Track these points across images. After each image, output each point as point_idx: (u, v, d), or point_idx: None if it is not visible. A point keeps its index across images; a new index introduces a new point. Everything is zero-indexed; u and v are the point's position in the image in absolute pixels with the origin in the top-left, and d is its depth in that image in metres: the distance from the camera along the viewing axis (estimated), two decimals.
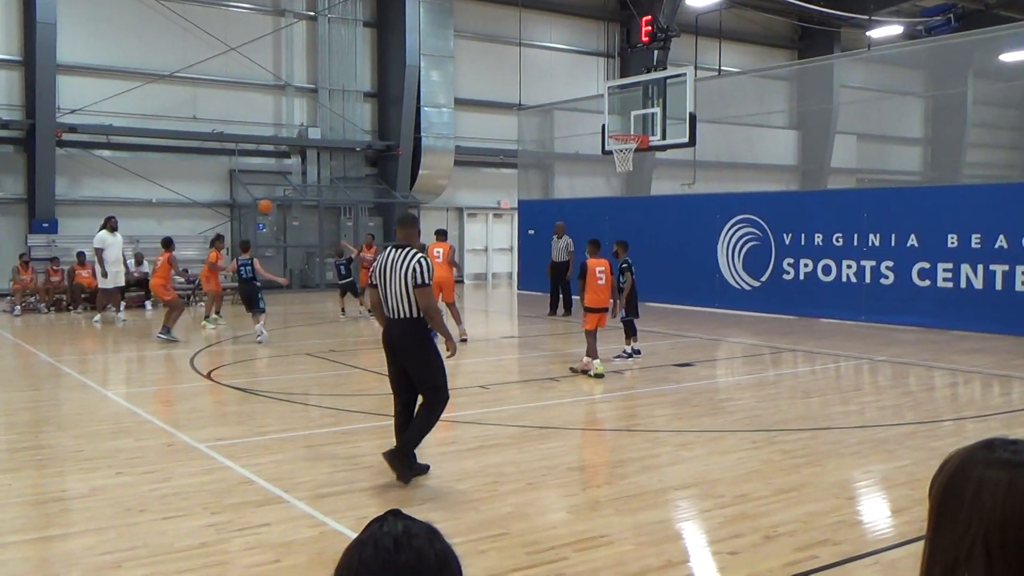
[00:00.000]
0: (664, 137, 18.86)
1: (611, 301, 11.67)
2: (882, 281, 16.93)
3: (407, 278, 6.47)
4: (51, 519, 5.89)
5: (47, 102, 22.18)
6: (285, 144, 26.73)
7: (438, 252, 14.48)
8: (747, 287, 19.46)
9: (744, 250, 19.45)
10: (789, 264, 18.58)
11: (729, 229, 19.73)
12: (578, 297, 11.64)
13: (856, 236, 17.31)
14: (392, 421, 6.86)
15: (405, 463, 6.52)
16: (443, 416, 6.82)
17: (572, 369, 11.67)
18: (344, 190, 26.96)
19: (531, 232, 24.76)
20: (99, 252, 17.06)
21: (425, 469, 6.75)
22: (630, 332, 12.70)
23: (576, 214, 21.78)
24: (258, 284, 15.19)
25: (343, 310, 18.46)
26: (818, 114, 31.67)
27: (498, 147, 28.96)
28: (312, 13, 26.55)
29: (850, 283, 17.46)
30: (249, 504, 6.00)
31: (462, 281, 26.51)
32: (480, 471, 6.84)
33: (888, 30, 27.49)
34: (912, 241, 16.40)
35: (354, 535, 1.35)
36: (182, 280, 18.91)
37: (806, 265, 18.25)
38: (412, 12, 26.47)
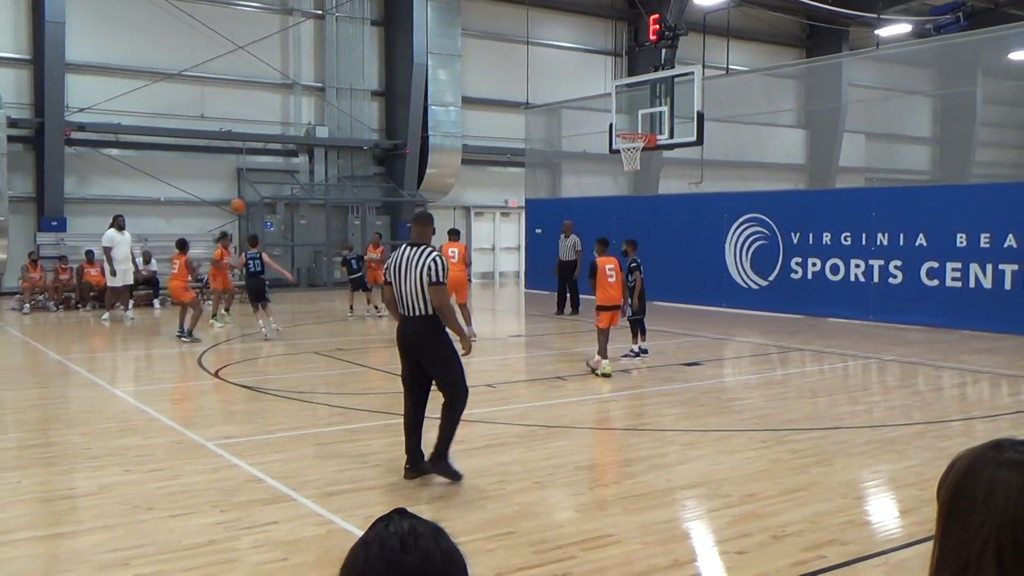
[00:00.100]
0: (672, 136, 18.83)
1: (623, 300, 11.69)
2: (890, 280, 16.88)
3: (422, 276, 6.47)
4: (59, 517, 5.92)
5: (56, 101, 22.26)
6: (293, 143, 26.77)
7: (453, 252, 14.24)
8: (755, 286, 19.42)
9: (752, 249, 19.41)
10: (797, 263, 18.53)
11: (737, 228, 19.69)
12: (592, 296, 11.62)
13: (864, 235, 17.26)
14: (402, 419, 6.84)
15: (445, 465, 6.55)
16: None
17: (587, 364, 11.62)
18: (351, 189, 26.99)
19: (538, 231, 24.75)
20: (107, 250, 17.10)
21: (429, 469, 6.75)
22: (640, 331, 12.70)
23: (583, 213, 21.76)
24: (265, 279, 15.44)
25: (351, 307, 18.47)
26: (826, 113, 31.58)
27: (505, 146, 28.96)
28: (320, 12, 26.58)
29: (858, 282, 17.41)
30: (257, 502, 6.02)
31: (469, 280, 26.52)
32: (487, 470, 6.84)
33: (897, 28, 27.40)
34: (921, 240, 16.35)
35: (362, 533, 1.35)
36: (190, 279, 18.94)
37: (814, 264, 18.20)
38: (420, 11, 26.48)
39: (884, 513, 6.22)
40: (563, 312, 19.19)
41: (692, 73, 18.34)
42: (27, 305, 19.06)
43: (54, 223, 22.59)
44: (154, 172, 24.13)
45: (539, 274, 23.62)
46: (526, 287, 25.66)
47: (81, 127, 22.98)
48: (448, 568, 1.29)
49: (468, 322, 14.49)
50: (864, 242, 17.26)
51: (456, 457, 7.12)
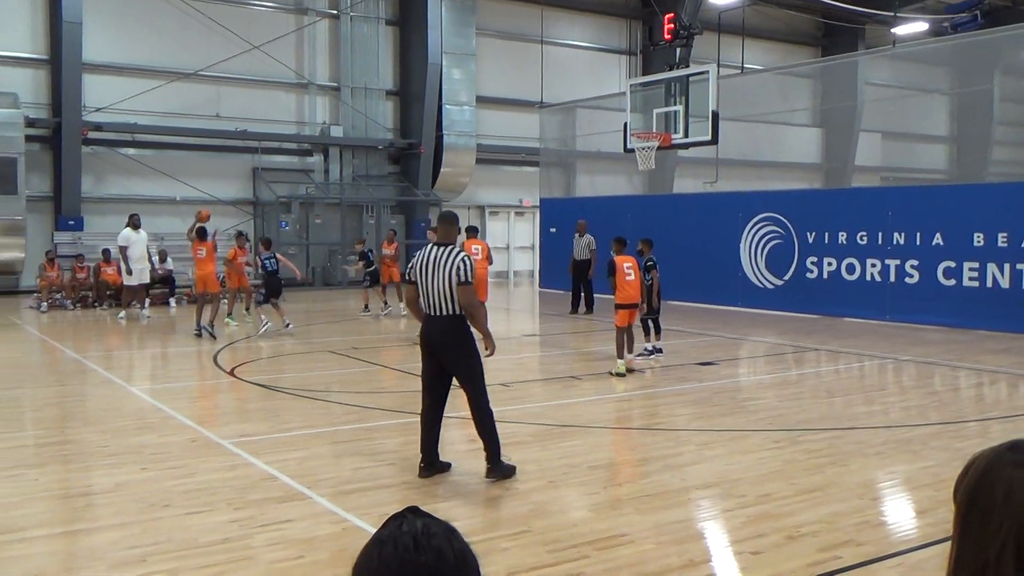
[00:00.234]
0: (686, 135, 18.80)
1: (641, 299, 11.68)
2: (907, 280, 16.79)
3: (451, 275, 6.47)
4: (77, 514, 5.95)
5: (73, 101, 22.41)
6: (307, 142, 26.85)
7: (476, 249, 14.12)
8: (770, 286, 19.35)
9: (767, 249, 19.34)
10: (812, 263, 18.45)
11: (752, 227, 19.63)
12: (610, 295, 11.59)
13: (880, 235, 17.17)
14: (418, 418, 6.84)
15: (502, 466, 6.56)
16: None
17: (626, 367, 11.55)
18: (366, 188, 27.05)
19: (553, 230, 24.74)
20: (123, 250, 17.23)
21: (447, 467, 6.77)
22: (654, 329, 12.67)
23: (598, 212, 21.74)
24: (281, 278, 15.83)
25: (367, 306, 18.48)
26: (842, 112, 31.44)
27: (520, 145, 28.96)
28: (335, 11, 26.64)
29: (874, 282, 17.32)
30: (272, 500, 6.04)
31: None
32: None
33: (913, 27, 27.25)
34: (937, 240, 16.25)
35: (375, 532, 1.35)
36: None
37: (830, 264, 18.12)
38: (434, 10, 26.51)
39: (900, 514, 6.19)
40: (577, 311, 19.18)
41: (707, 72, 18.30)
42: (45, 303, 19.19)
43: (71, 222, 22.74)
44: (170, 171, 24.26)
45: (553, 273, 23.61)
46: (540, 286, 25.66)
47: (98, 127, 23.13)
48: (461, 568, 1.30)
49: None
50: (880, 241, 17.17)
51: (470, 456, 7.13)
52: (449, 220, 6.91)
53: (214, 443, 7.70)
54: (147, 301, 18.25)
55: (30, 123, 22.14)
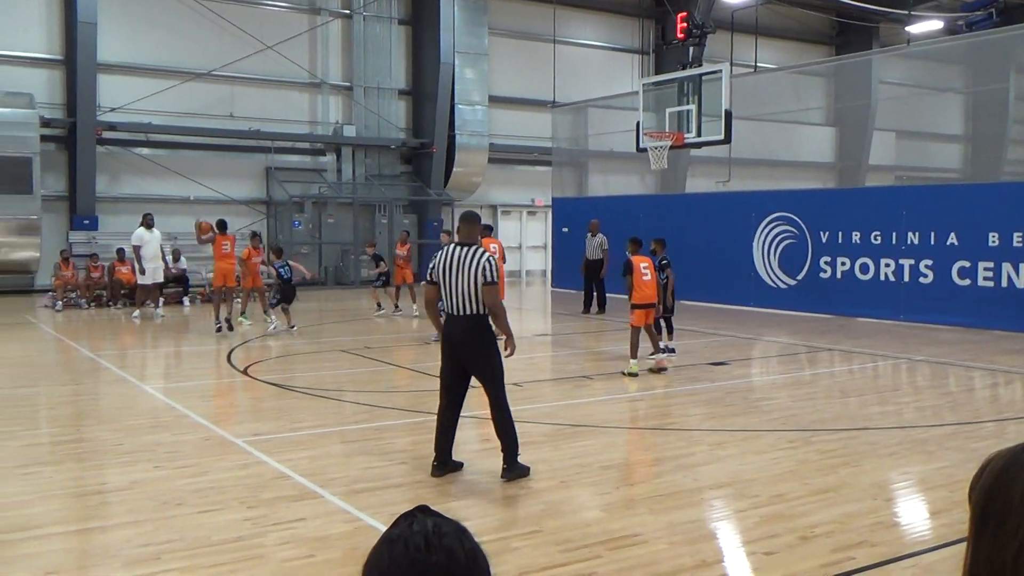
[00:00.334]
0: (699, 134, 18.75)
1: (658, 298, 11.66)
2: (921, 280, 16.71)
3: (476, 276, 6.47)
4: (91, 511, 5.99)
5: (88, 101, 22.52)
6: (320, 142, 26.91)
7: (493, 248, 14.19)
8: (783, 285, 19.29)
9: (780, 248, 19.28)
10: (826, 262, 18.38)
11: (765, 227, 19.56)
12: (625, 296, 11.56)
13: (895, 234, 17.09)
14: (432, 417, 6.83)
15: (518, 467, 6.57)
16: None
17: (650, 370, 11.53)
18: (379, 187, 27.10)
19: (565, 230, 24.72)
20: (136, 249, 17.33)
21: (459, 466, 6.77)
22: (668, 329, 12.65)
23: (610, 212, 21.71)
24: (295, 285, 16.06)
25: (379, 306, 18.50)
26: (856, 111, 31.29)
27: (532, 144, 28.96)
28: (347, 11, 26.69)
29: (888, 282, 17.24)
30: (284, 499, 6.05)
31: None
32: None
33: (928, 25, 27.10)
34: (952, 239, 16.16)
35: (385, 530, 1.35)
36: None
37: (843, 264, 18.05)
38: (447, 10, 26.53)
39: (914, 515, 6.16)
40: (589, 311, 19.16)
41: (720, 71, 18.24)
42: (59, 302, 19.30)
43: (86, 221, 22.87)
44: (184, 171, 24.36)
45: (566, 273, 23.60)
46: (553, 286, 25.65)
47: (112, 127, 23.25)
48: (472, 567, 1.30)
49: None
50: (894, 241, 17.09)
51: (482, 456, 7.14)
52: (471, 220, 6.88)
53: (227, 442, 7.73)
54: (161, 300, 18.33)
55: (45, 123, 22.27)
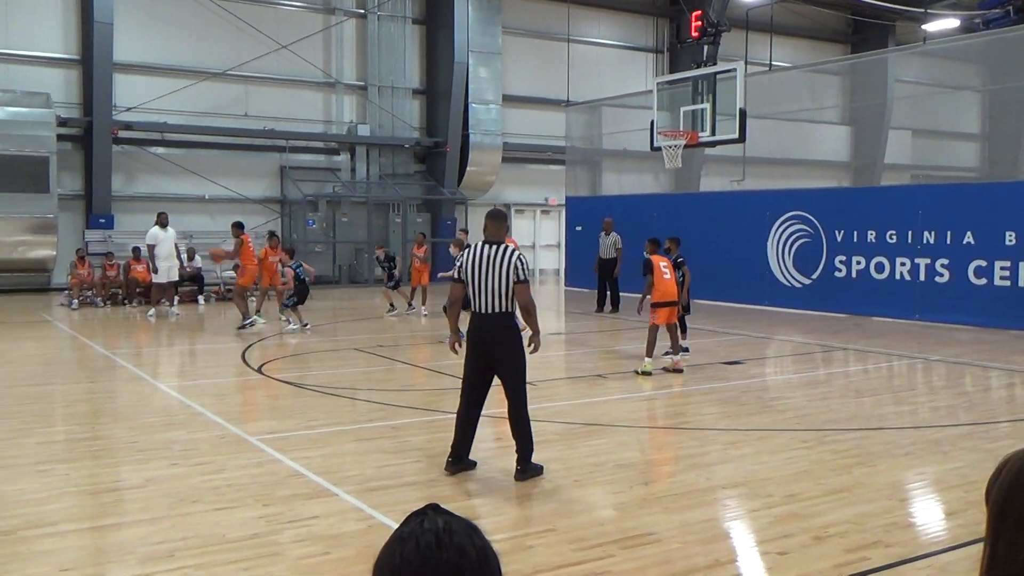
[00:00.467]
0: (714, 133, 18.70)
1: (679, 297, 11.66)
2: (937, 279, 16.62)
3: (508, 274, 6.48)
4: (107, 509, 6.02)
5: (104, 100, 22.66)
6: (335, 141, 26.99)
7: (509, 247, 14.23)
8: (797, 284, 19.22)
9: (794, 247, 19.21)
10: (841, 262, 18.30)
11: (779, 226, 19.50)
12: (647, 296, 11.53)
13: (910, 233, 17.00)
14: (449, 415, 6.82)
15: (532, 467, 6.56)
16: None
17: (665, 369, 11.50)
18: (393, 187, 27.15)
19: (578, 228, 24.71)
20: (151, 248, 17.44)
21: (473, 465, 6.77)
22: (681, 328, 12.62)
23: (624, 211, 21.68)
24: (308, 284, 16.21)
25: (392, 305, 18.52)
26: (871, 109, 31.14)
27: (546, 143, 28.95)
28: (362, 11, 26.75)
29: (904, 281, 17.16)
30: (299, 497, 6.08)
31: None
32: None
33: (944, 23, 26.95)
34: (968, 239, 16.07)
35: (396, 528, 1.36)
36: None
37: (858, 263, 17.96)
38: (461, 9, 26.55)
39: (929, 515, 6.13)
40: (603, 310, 19.14)
41: (735, 70, 18.19)
42: (75, 301, 19.41)
43: (102, 220, 23.00)
44: (199, 170, 24.48)
45: (579, 272, 23.58)
46: (566, 284, 25.64)
47: (128, 126, 23.37)
48: (483, 565, 1.30)
49: None
50: (910, 240, 17.00)
51: (495, 454, 7.15)
52: (498, 218, 6.87)
53: (242, 439, 7.76)
54: (176, 299, 18.41)
55: (62, 123, 22.42)
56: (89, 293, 20.19)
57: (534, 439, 6.65)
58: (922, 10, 23.18)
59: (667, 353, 11.97)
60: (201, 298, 20.78)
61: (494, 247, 6.61)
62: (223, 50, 24.41)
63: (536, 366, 12.23)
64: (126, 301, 20.31)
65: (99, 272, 20.71)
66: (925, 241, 16.76)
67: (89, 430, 8.38)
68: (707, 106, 18.68)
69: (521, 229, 30.55)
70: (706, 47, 20.51)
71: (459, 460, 6.68)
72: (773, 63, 24.17)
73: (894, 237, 17.28)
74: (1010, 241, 15.45)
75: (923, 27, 25.04)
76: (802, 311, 18.60)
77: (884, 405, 9.61)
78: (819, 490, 6.25)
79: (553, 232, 30.98)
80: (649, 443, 8.29)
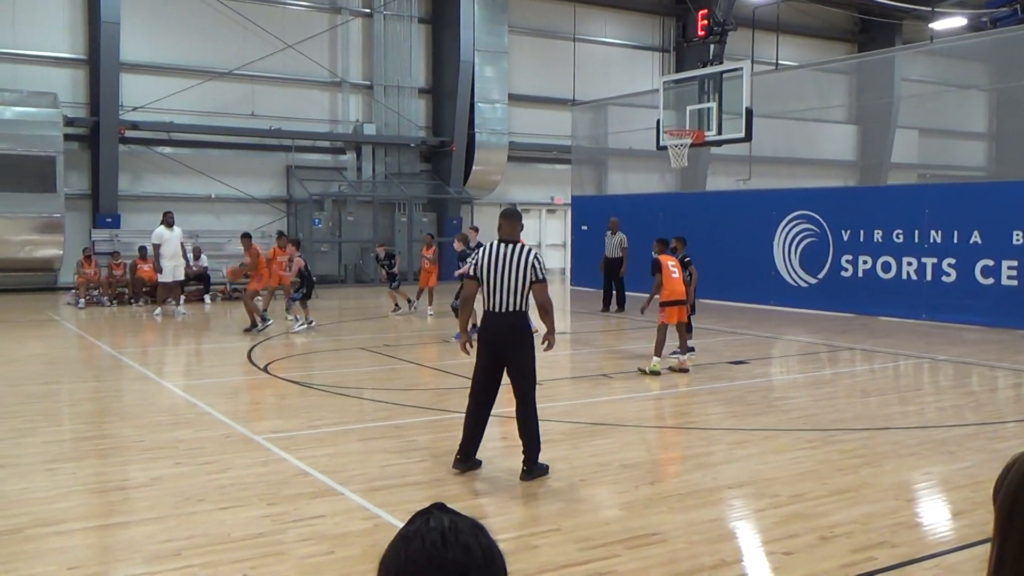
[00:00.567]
0: (720, 132, 18.68)
1: (688, 296, 11.65)
2: (944, 279, 16.57)
3: (526, 273, 6.49)
4: (113, 507, 6.04)
5: (111, 100, 22.70)
6: (341, 140, 27.02)
7: None
8: (804, 284, 19.18)
9: (801, 247, 19.17)
10: (847, 261, 18.26)
11: (786, 225, 19.46)
12: (655, 295, 11.51)
13: (917, 233, 16.95)
14: (455, 414, 6.80)
15: (538, 467, 6.56)
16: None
17: (671, 368, 11.48)
18: (398, 186, 27.17)
19: (584, 228, 24.69)
20: (156, 247, 17.47)
21: (478, 464, 6.76)
22: (688, 327, 12.60)
23: (630, 210, 21.65)
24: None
25: (396, 305, 18.53)
26: (878, 108, 31.06)
27: (552, 143, 28.93)
28: (368, 10, 26.76)
29: (911, 280, 17.12)
30: (304, 496, 6.08)
31: None
32: None
33: (951, 22, 26.85)
34: (975, 238, 16.02)
35: (401, 527, 1.35)
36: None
37: (865, 262, 17.92)
38: (467, 8, 26.55)
39: (936, 515, 6.11)
40: (609, 309, 19.13)
41: (741, 69, 18.17)
42: (82, 300, 19.45)
43: (108, 220, 23.05)
44: (205, 170, 24.52)
45: (585, 271, 23.56)
46: (572, 284, 25.63)
47: (135, 125, 23.42)
48: (488, 564, 1.30)
49: None
50: (917, 239, 16.96)
51: (501, 454, 7.15)
52: (513, 217, 6.86)
53: (248, 439, 7.77)
54: (182, 298, 18.45)
55: (69, 122, 22.48)
56: (95, 292, 20.24)
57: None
58: (929, 9, 23.13)
59: (674, 353, 11.96)
60: (207, 297, 20.82)
61: (510, 246, 6.61)
62: (229, 50, 24.44)
63: (542, 366, 12.20)
64: (132, 300, 20.35)
65: (105, 271, 20.75)
66: (932, 240, 16.72)
67: (95, 429, 8.40)
68: (713, 105, 18.66)
69: (527, 228, 30.22)
70: (712, 46, 20.51)
71: (467, 458, 6.68)
72: (779, 62, 24.12)
73: (901, 236, 17.24)
74: (1017, 240, 15.40)
75: (930, 26, 24.98)
76: (808, 311, 18.56)
77: (890, 405, 9.59)
78: (825, 490, 6.24)
79: (559, 231, 30.97)
80: (655, 443, 8.28)
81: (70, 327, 16.51)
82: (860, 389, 10.58)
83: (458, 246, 15.26)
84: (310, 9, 26.11)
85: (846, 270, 18.30)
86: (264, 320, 15.45)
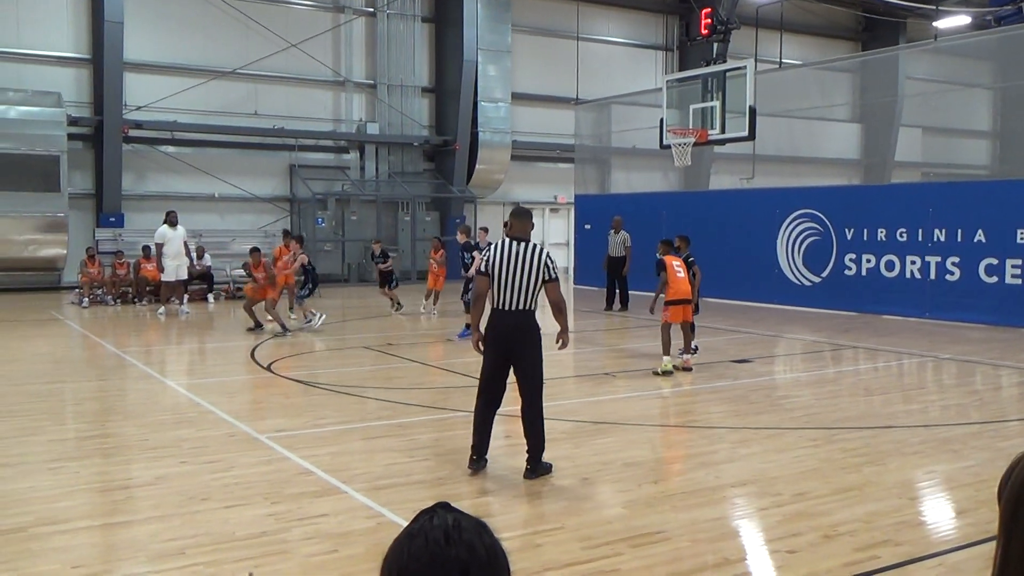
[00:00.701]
0: (723, 131, 18.65)
1: (693, 295, 11.64)
2: (948, 277, 16.55)
3: (538, 272, 6.49)
4: (117, 506, 6.04)
5: (114, 99, 22.72)
6: (344, 139, 27.03)
7: None
8: (807, 283, 19.16)
9: (804, 245, 19.15)
10: (851, 259, 18.24)
11: (789, 224, 19.44)
12: (660, 294, 11.50)
13: (921, 231, 16.94)
14: (465, 414, 6.77)
15: (542, 466, 6.56)
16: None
17: (675, 367, 11.41)
18: (402, 185, 27.17)
19: (587, 227, 24.68)
20: (159, 247, 17.49)
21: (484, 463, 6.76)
22: (691, 327, 12.59)
23: (633, 209, 21.64)
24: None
25: (398, 303, 18.51)
26: (882, 107, 31.00)
27: (555, 142, 28.93)
28: (371, 9, 26.77)
29: (914, 279, 17.10)
30: (308, 494, 6.09)
31: None
32: None
33: (955, 20, 26.83)
34: (979, 236, 16.00)
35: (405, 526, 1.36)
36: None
37: (868, 261, 17.90)
38: (470, 7, 26.54)
39: (939, 514, 6.11)
40: (612, 308, 19.12)
41: (744, 67, 18.14)
42: (86, 299, 19.48)
43: (112, 219, 23.08)
44: (209, 169, 24.54)
45: (588, 270, 23.56)
46: (575, 283, 25.62)
47: (138, 125, 23.44)
48: (491, 563, 1.30)
49: None
50: (920, 238, 16.94)
51: (504, 453, 7.14)
52: (523, 215, 6.87)
53: (251, 437, 7.78)
54: (186, 297, 18.47)
55: (72, 122, 22.49)
56: (99, 291, 20.26)
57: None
58: (933, 7, 23.10)
59: (680, 352, 11.95)
60: (211, 296, 20.84)
61: (522, 244, 6.60)
62: (233, 49, 24.46)
63: (545, 364, 12.22)
64: (136, 300, 20.37)
65: (109, 270, 20.77)
66: (936, 239, 16.70)
67: (99, 428, 8.41)
68: (717, 104, 18.63)
69: None
70: (716, 44, 20.49)
71: (483, 456, 6.66)
72: (783, 60, 24.11)
73: (904, 235, 17.21)
74: (1021, 239, 15.37)
75: (934, 24, 24.98)
76: (812, 309, 18.55)
77: (894, 403, 9.58)
78: (828, 488, 6.23)
79: (562, 230, 30.96)
80: (658, 441, 8.28)
81: (74, 326, 16.53)
82: (863, 388, 10.57)
83: (461, 238, 15.24)
84: (313, 8, 26.12)
85: (850, 269, 18.28)
86: (285, 330, 15.22)
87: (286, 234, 17.52)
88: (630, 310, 18.60)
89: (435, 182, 28.14)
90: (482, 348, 6.78)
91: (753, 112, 17.82)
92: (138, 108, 23.41)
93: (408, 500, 5.99)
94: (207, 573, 4.75)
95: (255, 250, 15.87)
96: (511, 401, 6.82)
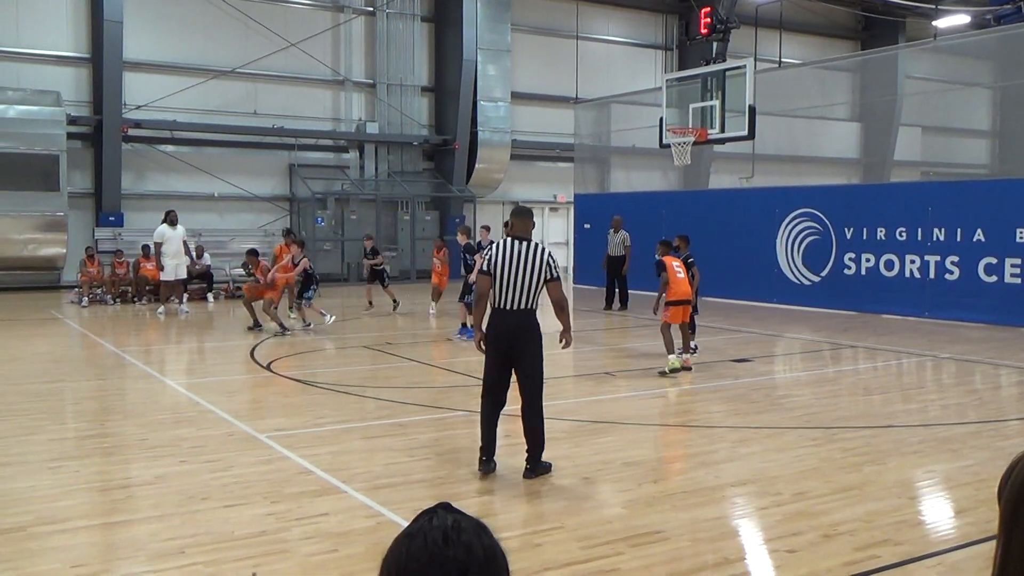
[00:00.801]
0: (723, 130, 18.65)
1: (693, 295, 11.64)
2: (947, 276, 16.56)
3: (540, 271, 6.49)
4: (117, 505, 6.04)
5: (114, 99, 22.71)
6: (343, 139, 27.02)
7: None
8: (807, 282, 19.17)
9: (804, 244, 19.16)
10: (850, 259, 18.25)
11: (789, 223, 19.44)
12: (662, 295, 11.49)
13: (920, 230, 16.94)
14: (479, 416, 6.68)
15: (542, 465, 6.56)
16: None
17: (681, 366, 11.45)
18: (401, 184, 27.17)
19: (587, 226, 24.68)
20: (158, 246, 17.49)
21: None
22: (691, 327, 12.58)
23: (633, 208, 21.64)
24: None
25: (395, 302, 18.51)
26: (881, 106, 31.00)
27: (554, 141, 28.92)
28: (371, 8, 26.76)
29: (913, 278, 17.10)
30: (307, 494, 6.09)
31: None
32: None
33: (955, 19, 26.83)
34: (979, 236, 16.00)
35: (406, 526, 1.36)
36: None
37: (868, 260, 17.91)
38: (469, 6, 26.54)
39: (939, 513, 6.11)
40: (611, 308, 19.12)
41: (744, 66, 18.14)
42: (85, 298, 19.48)
43: (112, 218, 23.07)
44: (208, 168, 24.53)
45: (588, 269, 23.56)
46: (574, 282, 25.61)
47: (138, 124, 23.43)
48: (490, 563, 1.30)
49: None
50: (920, 237, 16.95)
51: (503, 452, 7.14)
52: (525, 215, 6.88)
53: (251, 437, 7.78)
54: (185, 296, 18.47)
55: (72, 121, 22.48)
56: (99, 291, 20.25)
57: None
58: (933, 6, 23.10)
59: (679, 352, 11.95)
60: (210, 296, 20.83)
61: (523, 243, 6.60)
62: (232, 48, 24.45)
63: (545, 363, 12.21)
64: (135, 299, 20.37)
65: (109, 270, 20.77)
66: (935, 238, 16.70)
67: (99, 427, 8.41)
68: (716, 103, 18.63)
69: None
70: (715, 44, 20.48)
71: (492, 457, 6.64)
72: (783, 60, 24.11)
73: (904, 234, 17.22)
74: (1020, 238, 15.38)
75: (934, 23, 24.97)
76: (811, 308, 18.55)
77: (893, 403, 9.58)
78: (828, 488, 6.24)
79: (561, 230, 30.96)
80: (657, 441, 8.28)
81: (73, 326, 16.53)
82: (863, 387, 10.57)
83: (461, 239, 15.22)
84: (313, 7, 26.11)
85: (849, 268, 18.28)
86: (284, 329, 15.22)
87: (287, 233, 17.51)
88: (629, 309, 18.60)
89: (435, 181, 28.13)
90: (484, 347, 6.78)
91: (753, 111, 17.82)
92: (137, 107, 23.40)
93: (408, 499, 5.99)
94: (207, 572, 4.75)
95: (252, 252, 15.86)
96: (511, 400, 6.81)
